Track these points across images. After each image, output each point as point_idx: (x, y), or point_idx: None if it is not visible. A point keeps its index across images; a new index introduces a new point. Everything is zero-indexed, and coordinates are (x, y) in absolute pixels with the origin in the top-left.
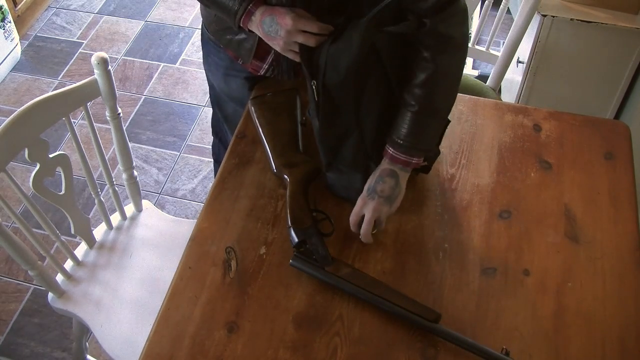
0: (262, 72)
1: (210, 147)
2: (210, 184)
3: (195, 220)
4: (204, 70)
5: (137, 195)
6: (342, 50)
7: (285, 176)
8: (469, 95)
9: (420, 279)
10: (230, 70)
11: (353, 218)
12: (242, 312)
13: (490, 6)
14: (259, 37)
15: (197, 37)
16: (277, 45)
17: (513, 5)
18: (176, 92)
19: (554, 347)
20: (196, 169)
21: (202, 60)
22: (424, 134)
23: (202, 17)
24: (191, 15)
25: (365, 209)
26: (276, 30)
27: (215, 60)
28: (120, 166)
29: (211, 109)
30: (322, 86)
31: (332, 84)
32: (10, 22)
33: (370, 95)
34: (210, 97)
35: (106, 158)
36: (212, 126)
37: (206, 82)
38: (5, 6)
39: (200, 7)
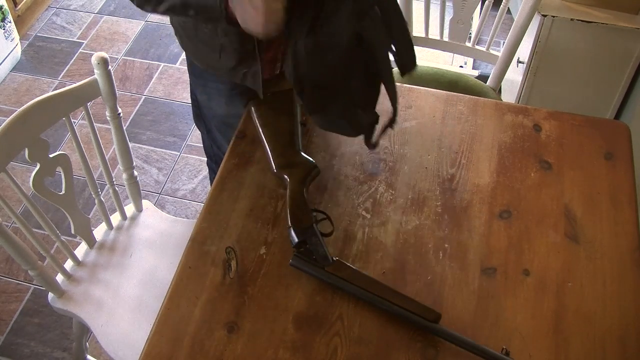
0: (278, 71)
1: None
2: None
3: (195, 220)
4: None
5: (137, 195)
6: (326, 48)
7: (285, 176)
8: (469, 95)
9: (420, 279)
10: (236, 88)
11: None
12: (242, 312)
13: (490, 6)
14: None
15: None
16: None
17: (513, 5)
18: (176, 92)
19: (554, 347)
20: (196, 169)
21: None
22: None
23: (192, 55)
24: None
25: None
26: None
27: (216, 87)
28: (120, 166)
29: None
30: (303, 85)
31: (318, 82)
32: (10, 22)
33: (358, 77)
34: (212, 130)
35: (106, 158)
36: (206, 151)
37: None
38: (5, 6)
39: (188, 48)
